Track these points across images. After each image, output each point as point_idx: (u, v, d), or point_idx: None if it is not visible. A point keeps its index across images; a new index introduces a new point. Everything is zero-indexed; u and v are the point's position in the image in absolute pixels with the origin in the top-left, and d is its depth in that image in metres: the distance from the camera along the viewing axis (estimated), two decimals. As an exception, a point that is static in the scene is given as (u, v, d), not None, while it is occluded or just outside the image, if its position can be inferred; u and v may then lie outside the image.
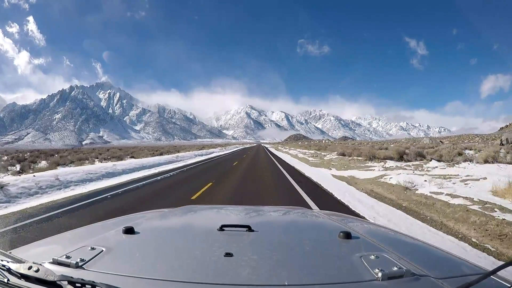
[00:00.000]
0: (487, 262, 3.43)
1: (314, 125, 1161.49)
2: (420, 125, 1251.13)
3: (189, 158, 26.25)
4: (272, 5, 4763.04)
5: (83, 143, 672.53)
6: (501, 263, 0.75)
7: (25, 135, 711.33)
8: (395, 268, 0.84)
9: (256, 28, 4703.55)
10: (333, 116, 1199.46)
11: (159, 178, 12.32)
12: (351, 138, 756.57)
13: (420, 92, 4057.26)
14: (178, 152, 34.92)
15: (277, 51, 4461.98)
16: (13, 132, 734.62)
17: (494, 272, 0.76)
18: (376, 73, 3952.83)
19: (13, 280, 0.79)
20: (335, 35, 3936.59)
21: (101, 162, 20.65)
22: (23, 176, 10.36)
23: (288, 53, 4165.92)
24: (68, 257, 0.92)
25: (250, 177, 12.55)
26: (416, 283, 0.81)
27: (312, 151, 31.01)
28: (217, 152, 41.74)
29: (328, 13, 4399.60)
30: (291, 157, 27.39)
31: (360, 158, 16.80)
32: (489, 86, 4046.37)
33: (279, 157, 27.04)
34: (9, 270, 0.80)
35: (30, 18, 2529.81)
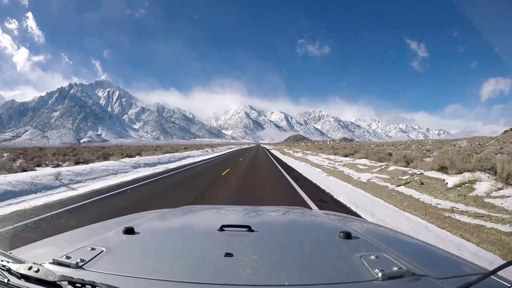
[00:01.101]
0: None
1: (314, 126, 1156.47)
2: (419, 128, 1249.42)
3: (94, 179, 10.95)
4: (272, 5, 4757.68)
5: (81, 141, 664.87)
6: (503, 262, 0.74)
7: (23, 133, 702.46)
8: (395, 268, 0.84)
9: (256, 28, 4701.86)
10: (333, 117, 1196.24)
11: None
12: (351, 139, 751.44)
13: (420, 94, 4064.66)
14: (103, 158, 20.85)
15: (277, 51, 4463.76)
16: (11, 129, 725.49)
17: (494, 272, 0.76)
18: (376, 74, 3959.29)
19: (13, 280, 0.79)
20: (336, 35, 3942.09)
21: None
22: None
23: (288, 54, 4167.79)
24: (68, 258, 0.91)
25: None
26: (416, 283, 0.81)
27: (366, 161, 13.52)
28: (192, 158, 25.82)
29: (329, 13, 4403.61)
30: (324, 173, 13.10)
31: None
32: (489, 89, 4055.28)
33: (306, 178, 11.53)
34: (9, 271, 0.80)
35: (29, 14, 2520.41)
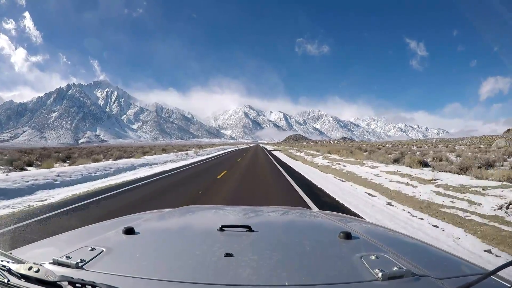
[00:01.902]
0: None
1: (313, 126, 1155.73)
2: (418, 127, 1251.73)
3: None
4: (272, 4, 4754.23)
5: (79, 142, 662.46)
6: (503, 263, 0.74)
7: (21, 134, 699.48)
8: (395, 268, 0.84)
9: (255, 27, 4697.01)
10: (332, 117, 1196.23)
11: None
12: (350, 138, 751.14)
13: (419, 93, 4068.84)
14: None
15: (276, 50, 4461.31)
16: (9, 130, 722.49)
17: (494, 272, 0.76)
18: (375, 74, 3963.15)
19: (13, 280, 0.79)
20: (335, 35, 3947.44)
21: None
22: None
23: (287, 53, 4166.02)
24: (68, 258, 0.92)
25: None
26: (416, 283, 0.81)
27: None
28: (145, 169, 15.89)
29: (327, 12, 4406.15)
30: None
31: None
32: (489, 88, 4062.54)
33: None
34: (9, 271, 0.81)
35: (27, 14, 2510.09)
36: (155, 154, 26.97)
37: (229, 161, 23.22)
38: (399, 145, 53.21)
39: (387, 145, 52.71)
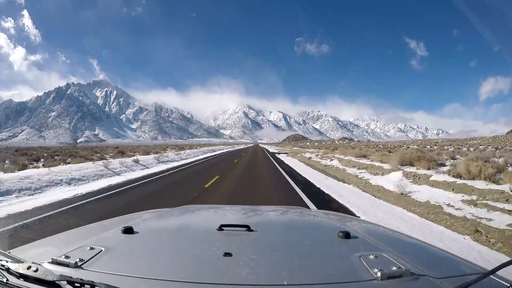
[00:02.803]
0: None
1: (312, 126, 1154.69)
2: (418, 127, 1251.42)
3: None
4: (271, 3, 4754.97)
5: (78, 141, 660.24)
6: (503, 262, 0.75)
7: (20, 133, 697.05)
8: (394, 268, 0.84)
9: (254, 27, 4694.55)
10: (331, 117, 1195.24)
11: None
12: (350, 139, 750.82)
13: (418, 93, 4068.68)
14: None
15: (275, 50, 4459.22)
16: (8, 129, 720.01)
17: (493, 271, 0.77)
18: (375, 74, 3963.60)
19: (12, 280, 0.79)
20: (334, 34, 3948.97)
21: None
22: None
23: (286, 53, 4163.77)
24: (67, 257, 0.92)
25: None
26: (415, 282, 0.81)
27: None
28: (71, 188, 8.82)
29: (327, 11, 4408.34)
30: None
31: None
32: (488, 89, 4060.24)
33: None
34: (8, 270, 0.80)
35: (25, 13, 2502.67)
36: (69, 163, 15.61)
37: (187, 188, 9.65)
38: (428, 146, 45.75)
39: (412, 146, 45.34)
